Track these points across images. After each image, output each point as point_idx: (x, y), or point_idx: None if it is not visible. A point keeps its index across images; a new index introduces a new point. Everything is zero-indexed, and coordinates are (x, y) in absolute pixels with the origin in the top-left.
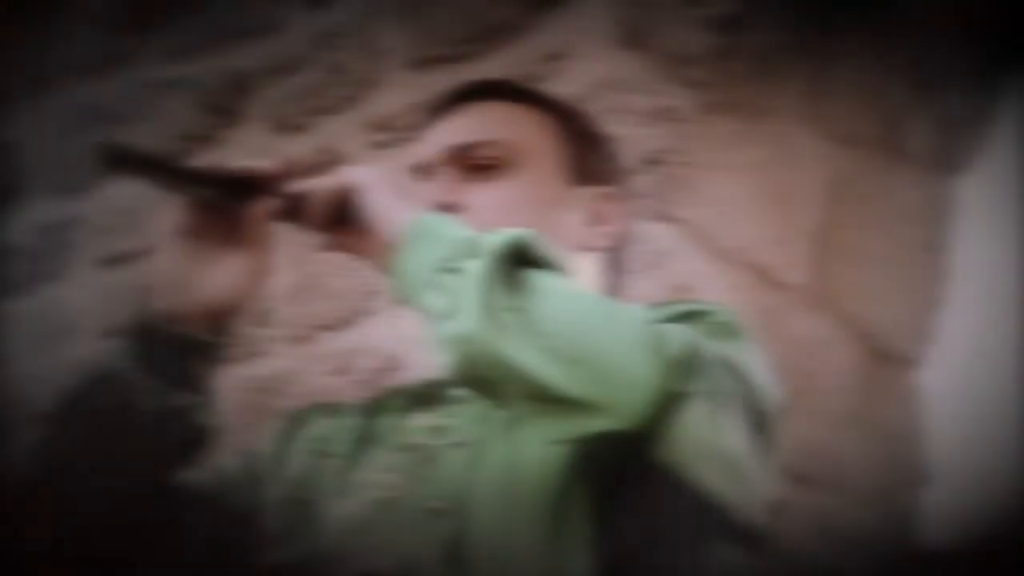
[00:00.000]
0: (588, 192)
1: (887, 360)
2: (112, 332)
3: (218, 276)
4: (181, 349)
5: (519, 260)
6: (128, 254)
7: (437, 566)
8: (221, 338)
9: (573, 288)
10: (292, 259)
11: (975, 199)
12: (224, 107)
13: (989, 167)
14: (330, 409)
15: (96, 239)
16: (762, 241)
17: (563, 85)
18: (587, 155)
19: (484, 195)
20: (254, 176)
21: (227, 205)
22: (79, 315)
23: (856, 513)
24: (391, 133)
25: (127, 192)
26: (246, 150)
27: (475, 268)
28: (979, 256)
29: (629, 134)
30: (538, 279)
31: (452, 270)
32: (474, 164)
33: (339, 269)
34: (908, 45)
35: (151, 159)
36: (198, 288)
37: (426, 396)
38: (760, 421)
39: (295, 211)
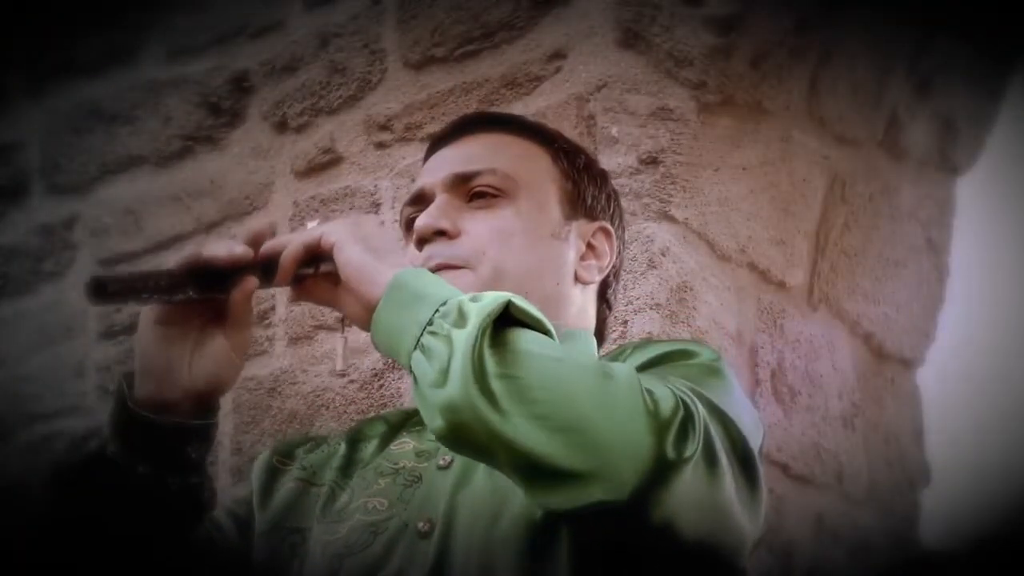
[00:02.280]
0: (583, 226)
1: (887, 360)
2: (95, 433)
3: (202, 362)
4: (171, 436)
5: (505, 321)
6: (128, 254)
7: None
8: (210, 419)
9: (561, 350)
10: None
11: (975, 199)
12: (224, 107)
13: (989, 167)
14: (314, 441)
15: (96, 239)
16: (762, 241)
17: (563, 85)
18: (584, 189)
19: (481, 223)
20: (230, 263)
21: (209, 298)
22: (79, 315)
23: (856, 513)
24: (391, 133)
25: (127, 192)
26: (246, 150)
27: (462, 335)
28: (979, 256)
29: (629, 134)
30: (526, 343)
31: (436, 334)
32: (472, 192)
33: None
34: (908, 45)
35: (129, 282)
36: (182, 376)
37: (409, 421)
38: (745, 462)
39: (268, 271)
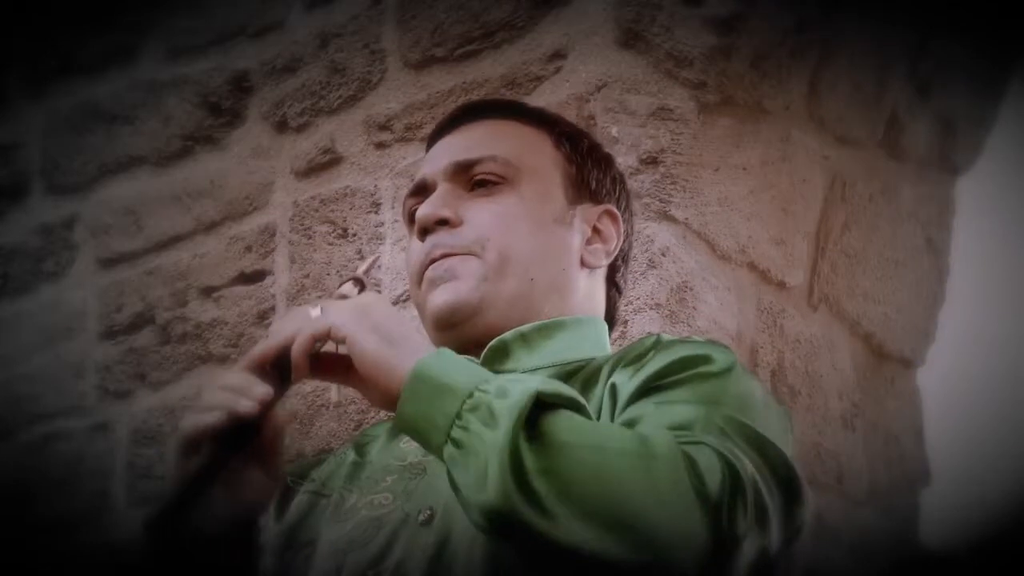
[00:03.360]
0: (588, 210)
1: (887, 360)
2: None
3: (241, 493)
4: (217, 555)
5: (538, 406)
6: (128, 254)
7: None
8: (253, 533)
9: (599, 433)
10: (292, 259)
11: (975, 199)
12: (224, 107)
13: (989, 167)
14: (321, 459)
15: (96, 239)
16: (762, 241)
17: (563, 85)
18: (588, 173)
19: (483, 210)
20: (249, 417)
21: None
22: (79, 315)
23: (856, 513)
24: (391, 133)
25: (127, 192)
26: (246, 150)
27: (496, 439)
28: (979, 256)
29: (629, 134)
30: (563, 433)
31: (467, 429)
32: (475, 180)
33: (339, 269)
34: (908, 45)
35: (179, 500)
36: (223, 511)
37: None
38: (788, 484)
39: (283, 375)
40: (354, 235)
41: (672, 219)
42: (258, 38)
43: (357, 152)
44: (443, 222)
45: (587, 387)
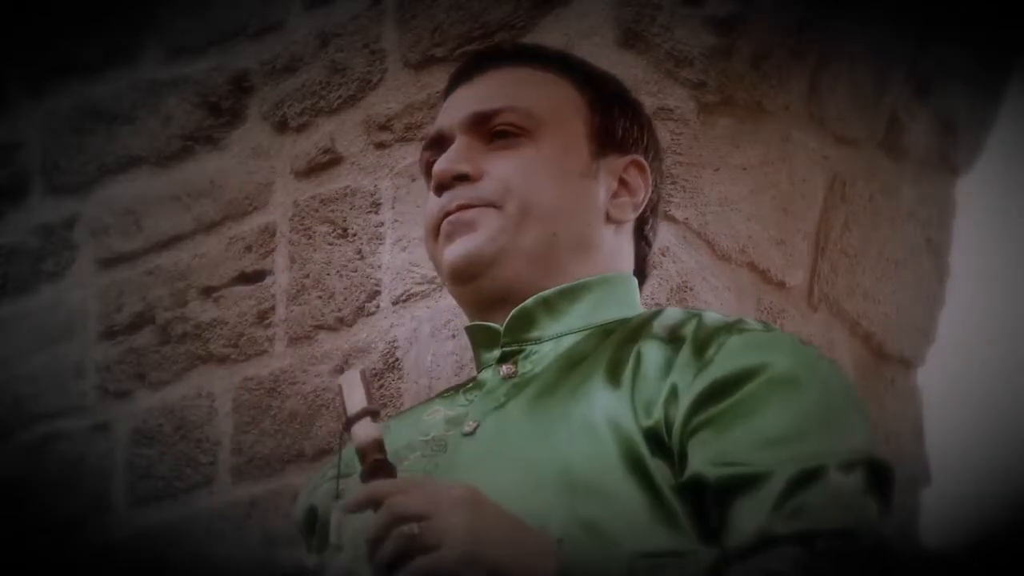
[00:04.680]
0: (614, 161)
1: (887, 360)
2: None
3: None
4: None
5: None
6: (128, 254)
7: None
8: None
9: None
10: (292, 259)
11: (975, 199)
12: (224, 107)
13: (989, 167)
14: (337, 456)
15: (96, 239)
16: (762, 241)
17: None
18: (614, 121)
19: (503, 162)
20: None
21: None
22: (79, 315)
23: None
24: (391, 133)
25: (127, 192)
26: (246, 150)
27: None
28: (979, 256)
29: None
30: None
31: None
32: (494, 131)
33: (339, 269)
34: (908, 45)
35: None
36: None
37: (453, 390)
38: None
39: None
40: (354, 235)
41: (672, 219)
42: (258, 38)
43: (357, 152)
44: (462, 177)
45: (620, 349)
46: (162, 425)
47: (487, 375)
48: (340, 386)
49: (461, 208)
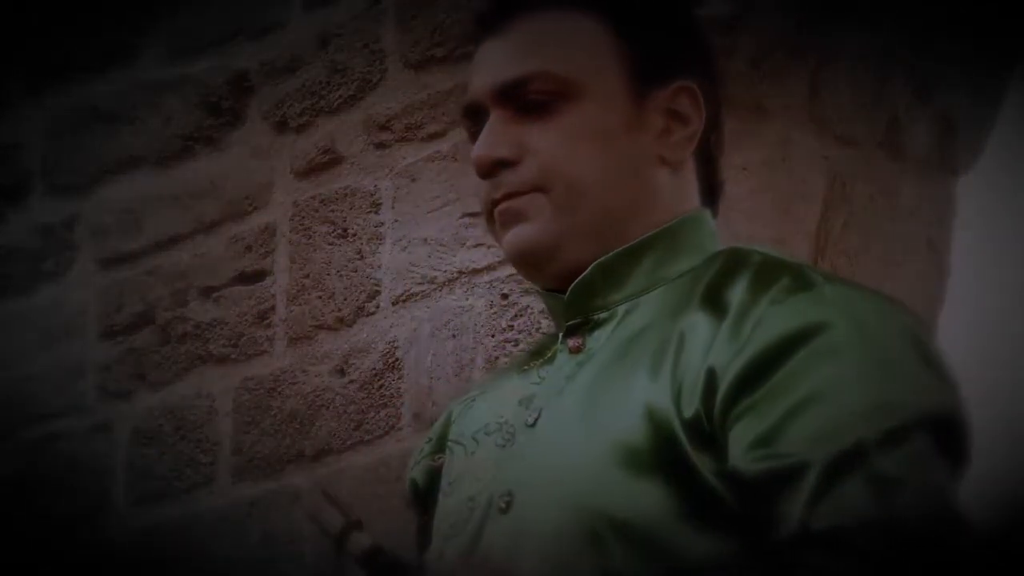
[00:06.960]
0: (658, 95)
1: None
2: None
3: None
4: None
5: None
6: (128, 254)
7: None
8: None
9: None
10: (292, 259)
11: (975, 199)
12: (224, 107)
13: (989, 167)
14: (468, 401)
15: (96, 239)
16: (762, 241)
17: None
18: (654, 49)
19: (543, 136)
20: None
21: None
22: (79, 315)
23: None
24: (391, 133)
25: (127, 192)
26: (246, 150)
27: None
28: (979, 256)
29: None
30: None
31: None
32: (527, 101)
33: (339, 269)
34: (908, 45)
35: None
36: None
37: (538, 355)
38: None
39: None
40: (354, 235)
41: None
42: (258, 38)
43: (357, 152)
44: (501, 163)
45: (671, 322)
46: (162, 425)
47: (559, 348)
48: (311, 514)
49: (508, 196)
